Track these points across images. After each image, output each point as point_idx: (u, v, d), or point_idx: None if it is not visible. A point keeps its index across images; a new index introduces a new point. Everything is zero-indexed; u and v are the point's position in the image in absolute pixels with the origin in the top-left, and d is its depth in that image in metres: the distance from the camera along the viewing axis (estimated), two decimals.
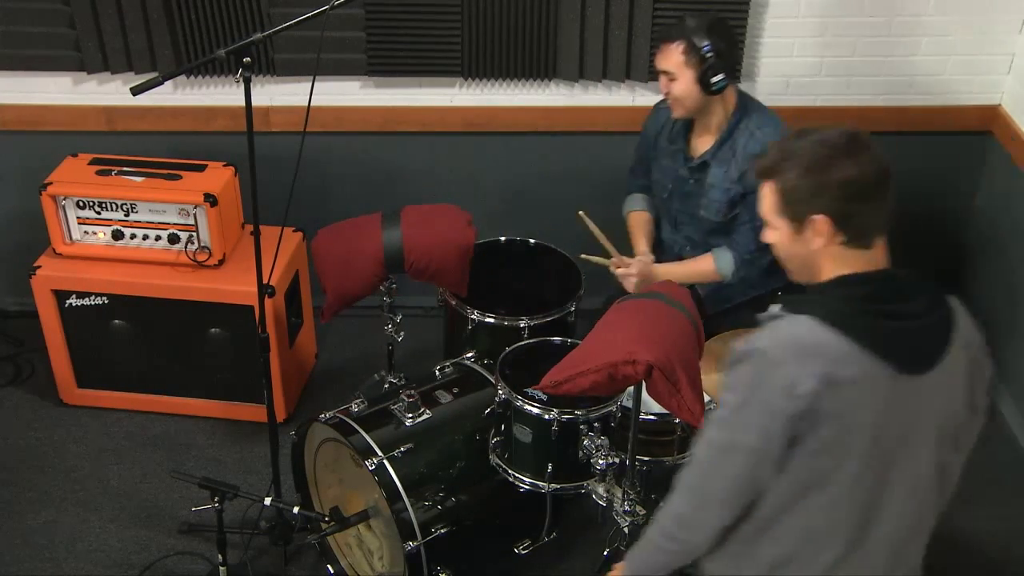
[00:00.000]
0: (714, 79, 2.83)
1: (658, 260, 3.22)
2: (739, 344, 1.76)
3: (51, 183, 3.39)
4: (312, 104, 2.60)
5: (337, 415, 2.82)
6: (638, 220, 3.29)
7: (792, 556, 1.79)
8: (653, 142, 3.17)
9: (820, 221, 1.78)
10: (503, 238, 3.37)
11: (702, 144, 3.04)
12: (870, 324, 1.71)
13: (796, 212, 1.81)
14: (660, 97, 3.07)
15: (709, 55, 2.81)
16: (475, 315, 3.08)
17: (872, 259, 1.81)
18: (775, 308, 1.78)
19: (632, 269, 3.04)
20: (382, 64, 3.63)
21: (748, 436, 1.72)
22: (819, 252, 1.82)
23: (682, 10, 3.50)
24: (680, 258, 3.18)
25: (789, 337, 1.72)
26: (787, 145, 1.83)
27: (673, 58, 2.86)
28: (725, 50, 2.86)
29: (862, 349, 1.69)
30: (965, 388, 1.84)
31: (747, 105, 3.00)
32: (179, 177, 3.42)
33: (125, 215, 3.42)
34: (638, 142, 3.26)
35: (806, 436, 1.70)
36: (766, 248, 3.01)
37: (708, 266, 3.07)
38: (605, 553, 2.86)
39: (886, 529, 1.82)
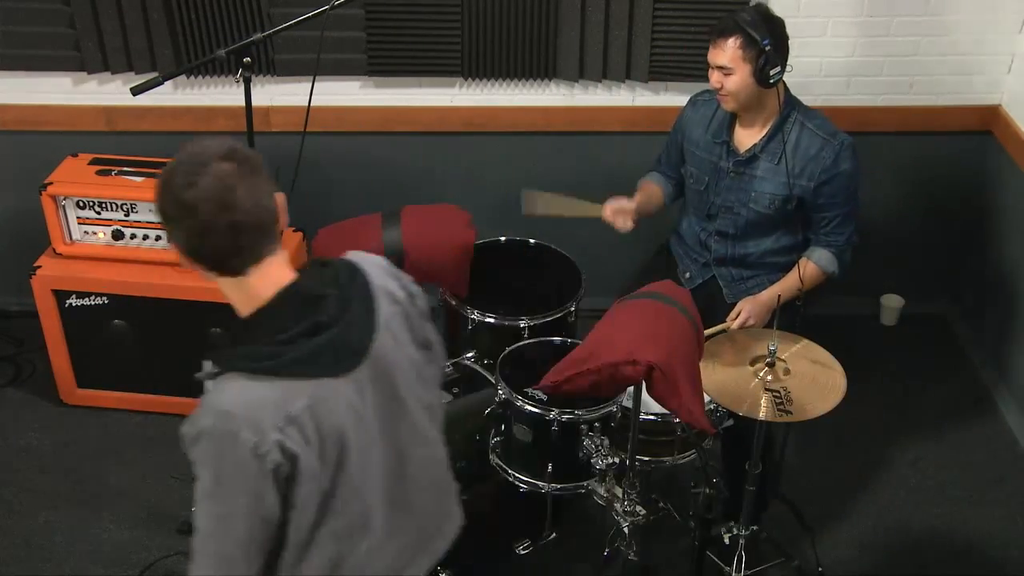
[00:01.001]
0: (772, 72, 2.81)
1: (677, 250, 3.23)
2: (185, 427, 1.72)
3: (51, 183, 3.39)
4: (312, 104, 2.60)
5: None
6: (646, 186, 3.24)
7: (340, 556, 1.81)
8: (688, 135, 3.12)
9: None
10: (503, 238, 3.37)
11: (749, 137, 3.00)
12: (292, 358, 1.68)
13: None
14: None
15: (768, 48, 2.78)
16: (475, 315, 3.07)
17: (266, 283, 1.74)
18: (207, 365, 1.71)
19: (743, 315, 2.95)
20: (382, 64, 3.63)
21: (238, 502, 1.68)
22: (221, 283, 1.75)
23: (682, 10, 3.51)
24: (706, 247, 3.14)
25: (230, 406, 1.67)
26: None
27: (729, 52, 2.82)
28: (781, 43, 2.84)
29: (297, 382, 1.68)
30: (408, 332, 1.89)
31: (794, 99, 2.98)
32: None
33: (125, 215, 3.42)
34: (670, 135, 3.21)
35: (295, 473, 1.69)
36: (853, 229, 3.01)
37: (812, 270, 3.01)
38: (605, 553, 2.85)
39: (418, 484, 1.92)
